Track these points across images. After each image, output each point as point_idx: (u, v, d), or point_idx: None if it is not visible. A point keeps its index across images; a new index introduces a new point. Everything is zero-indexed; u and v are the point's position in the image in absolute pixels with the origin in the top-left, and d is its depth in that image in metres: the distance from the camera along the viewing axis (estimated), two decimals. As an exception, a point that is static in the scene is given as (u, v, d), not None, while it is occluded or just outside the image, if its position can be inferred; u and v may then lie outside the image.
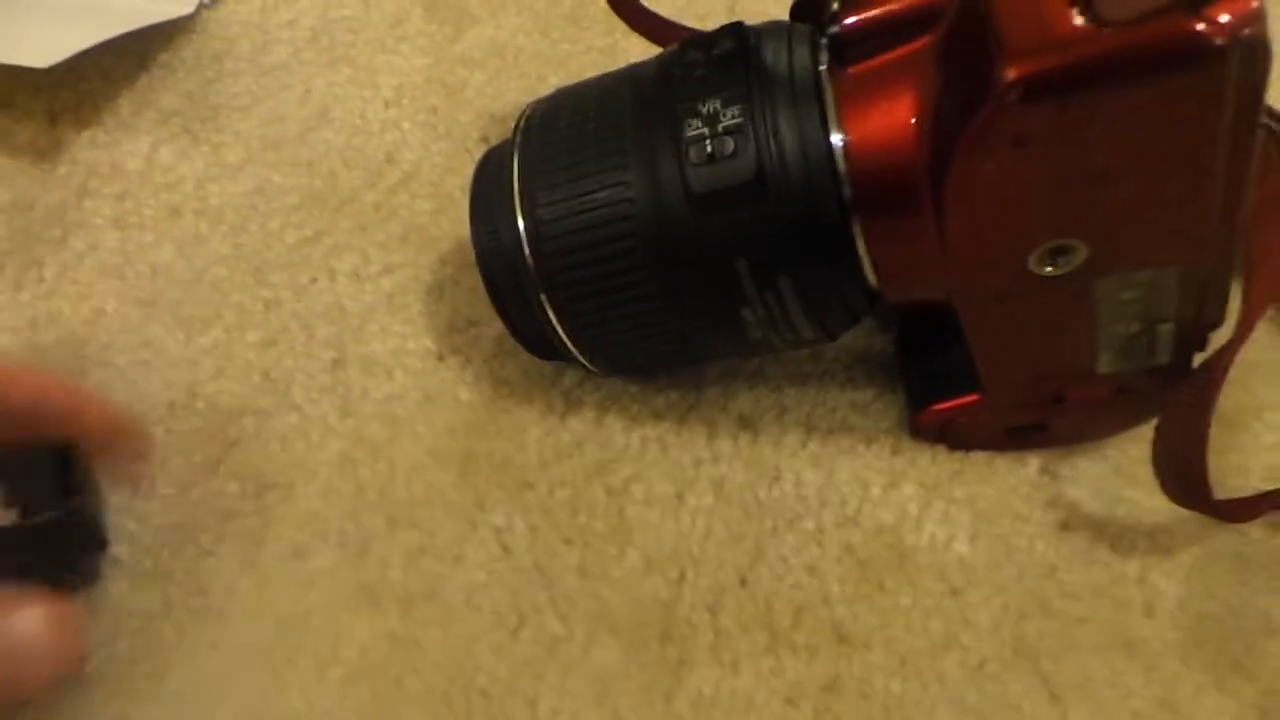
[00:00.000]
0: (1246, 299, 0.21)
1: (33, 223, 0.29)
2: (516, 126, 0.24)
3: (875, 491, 0.25)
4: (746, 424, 0.26)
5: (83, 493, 0.21)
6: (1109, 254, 0.19)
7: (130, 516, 0.23)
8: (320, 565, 0.23)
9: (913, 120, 0.19)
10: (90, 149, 0.31)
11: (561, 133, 0.22)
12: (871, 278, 0.21)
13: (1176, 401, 0.21)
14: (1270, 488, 0.24)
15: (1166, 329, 0.21)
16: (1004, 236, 0.19)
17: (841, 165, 0.20)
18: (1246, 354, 0.29)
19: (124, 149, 0.31)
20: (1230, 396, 0.27)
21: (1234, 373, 0.28)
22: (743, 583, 0.23)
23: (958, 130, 0.17)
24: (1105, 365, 0.22)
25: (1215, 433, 0.27)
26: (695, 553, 0.23)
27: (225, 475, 0.25)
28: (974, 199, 0.18)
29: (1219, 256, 0.19)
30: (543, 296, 0.23)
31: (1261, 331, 0.29)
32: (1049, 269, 0.19)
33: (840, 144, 0.20)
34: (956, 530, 0.24)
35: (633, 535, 0.24)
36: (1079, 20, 0.16)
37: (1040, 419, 0.24)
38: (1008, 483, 0.25)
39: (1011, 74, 0.16)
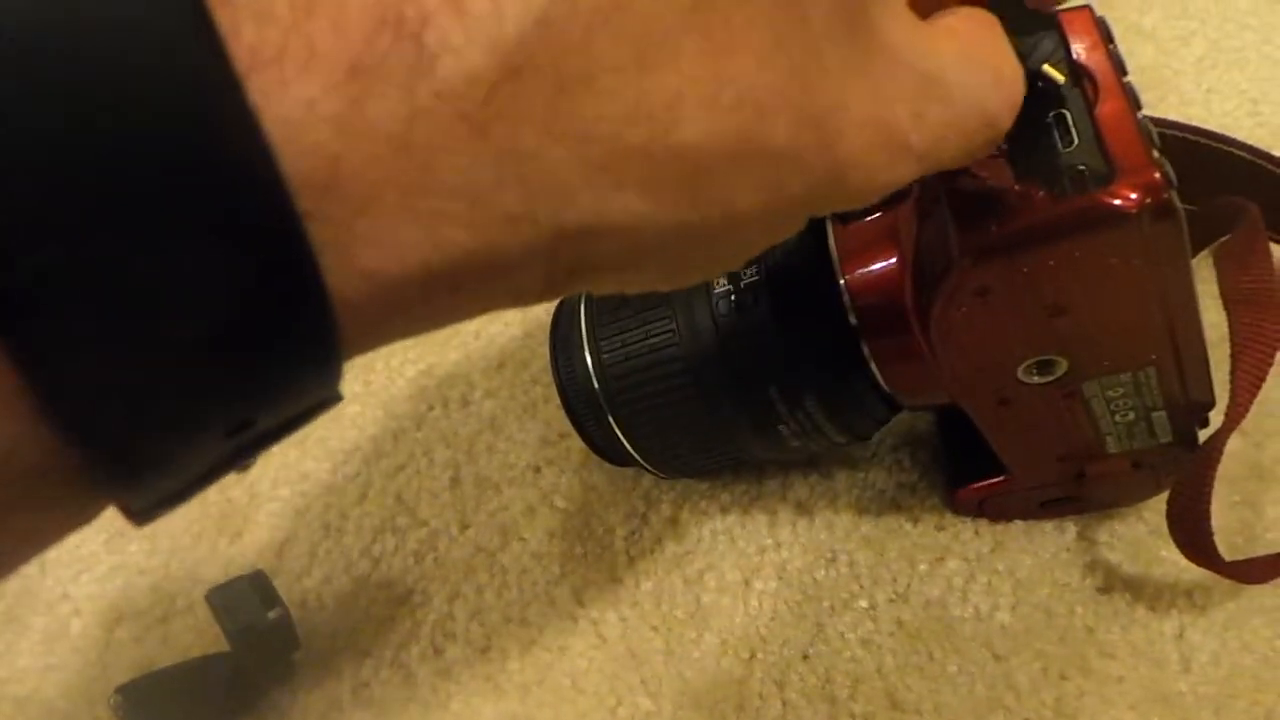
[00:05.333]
0: (1233, 384, 0.23)
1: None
2: (581, 280, 0.28)
3: (923, 568, 0.28)
4: (803, 510, 0.29)
5: (278, 605, 0.26)
6: (1086, 364, 0.22)
7: (304, 627, 0.28)
8: (453, 658, 0.28)
9: (899, 265, 0.23)
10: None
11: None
12: (887, 388, 0.25)
13: (1179, 479, 0.24)
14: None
15: (1160, 415, 0.23)
16: (989, 359, 0.22)
17: (846, 299, 0.24)
18: (1285, 405, 0.31)
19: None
20: (1270, 449, 0.29)
21: (1275, 423, 0.30)
22: (805, 658, 0.26)
23: (933, 283, 0.21)
24: (1113, 447, 0.24)
25: (1254, 487, 0.28)
26: (763, 633, 0.27)
27: (374, 586, 0.30)
28: (954, 335, 0.21)
29: (1186, 355, 0.21)
30: (610, 418, 0.27)
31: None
32: (1037, 379, 0.22)
33: (843, 283, 0.24)
34: (999, 600, 0.27)
35: (709, 620, 0.28)
36: (1022, 191, 0.19)
37: (1068, 493, 0.27)
38: (1047, 550, 0.28)
39: (964, 243, 0.19)
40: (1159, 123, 0.34)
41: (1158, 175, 0.18)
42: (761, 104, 0.12)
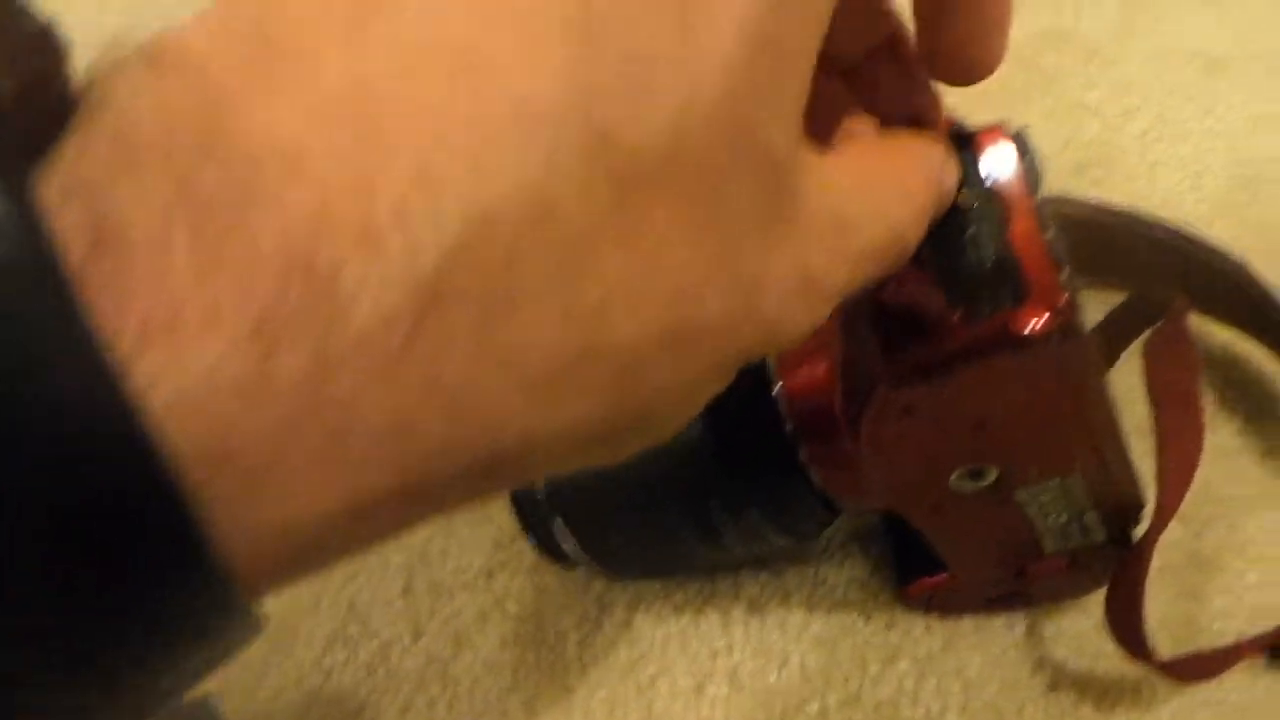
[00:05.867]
0: (1159, 486, 0.23)
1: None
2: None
3: (874, 669, 0.27)
4: (755, 609, 0.29)
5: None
6: (1014, 472, 0.22)
7: (251, 747, 0.28)
8: (404, 776, 0.28)
9: (830, 374, 0.23)
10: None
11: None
12: (826, 493, 0.25)
13: (1114, 580, 0.24)
14: (1255, 631, 0.26)
15: (1092, 515, 0.23)
16: (920, 469, 0.22)
17: (783, 407, 0.24)
18: (1226, 488, 0.31)
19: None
20: (1210, 537, 0.29)
21: (1215, 509, 0.30)
22: (758, 767, 0.26)
23: (859, 401, 0.21)
24: (1050, 547, 0.25)
25: (1196, 578, 0.29)
26: (715, 741, 0.27)
27: (325, 701, 0.30)
28: (884, 449, 0.22)
29: (1110, 462, 0.22)
30: (556, 526, 0.27)
31: (1244, 464, 0.31)
32: (969, 486, 0.23)
33: (779, 389, 0.24)
34: (949, 700, 0.27)
35: (661, 728, 0.27)
36: (938, 314, 0.19)
37: (1012, 589, 0.27)
38: (997, 647, 0.28)
39: (887, 365, 0.20)
40: (1092, 206, 0.35)
41: (1065, 298, 0.19)
42: (690, 289, 0.12)
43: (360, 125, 0.10)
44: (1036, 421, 0.21)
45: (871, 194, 0.15)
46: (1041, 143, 0.48)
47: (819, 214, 0.14)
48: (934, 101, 0.19)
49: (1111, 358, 0.32)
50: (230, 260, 0.09)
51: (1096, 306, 0.34)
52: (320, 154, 0.09)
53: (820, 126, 0.18)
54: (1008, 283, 0.19)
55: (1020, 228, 0.20)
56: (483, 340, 0.10)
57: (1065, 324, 0.19)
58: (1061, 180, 0.40)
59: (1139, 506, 0.24)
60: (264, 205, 0.09)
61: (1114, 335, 0.31)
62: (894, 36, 0.18)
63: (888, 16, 0.18)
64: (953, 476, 0.22)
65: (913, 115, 0.19)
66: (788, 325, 0.14)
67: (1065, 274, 0.19)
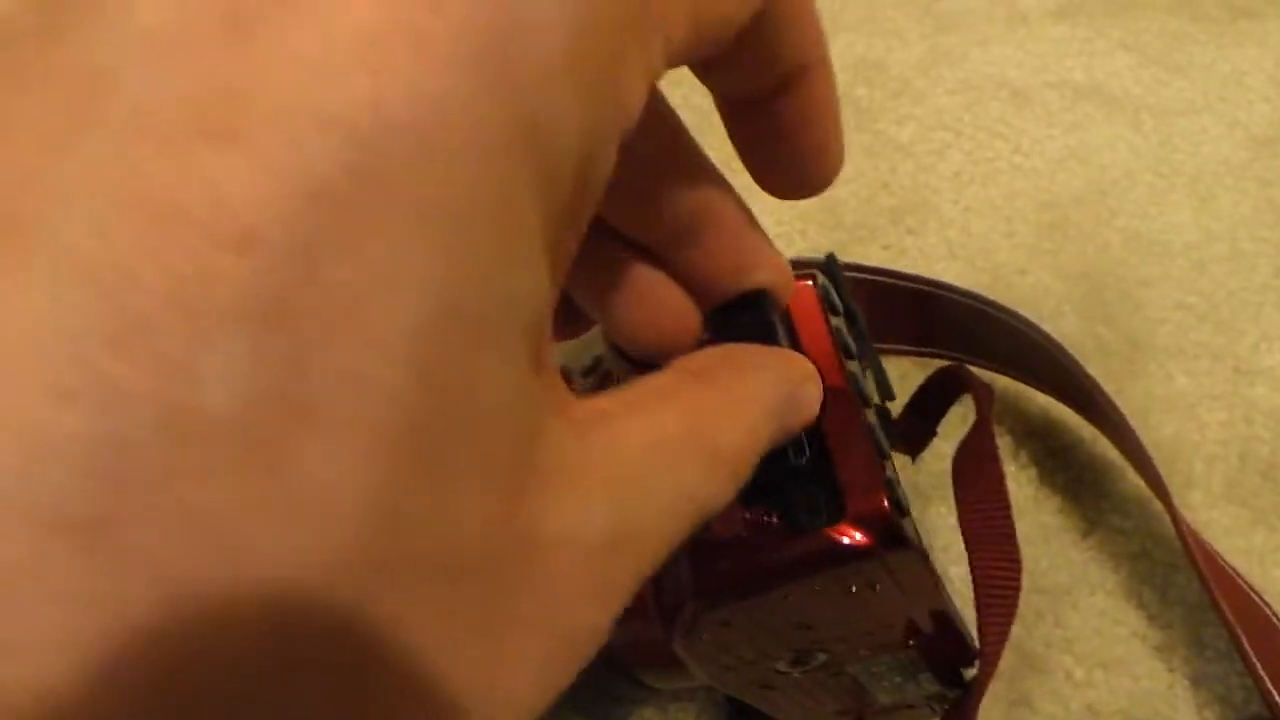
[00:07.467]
0: (981, 633, 0.22)
1: None
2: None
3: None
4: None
5: None
6: (843, 656, 0.20)
7: None
8: None
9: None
10: None
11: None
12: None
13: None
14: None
15: (926, 675, 0.22)
16: (741, 664, 0.20)
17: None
18: (1050, 576, 0.31)
19: None
20: (1039, 633, 0.29)
21: (1041, 600, 0.30)
22: None
23: (671, 614, 0.18)
24: (885, 699, 0.23)
25: (1030, 682, 0.28)
26: None
27: None
28: (699, 656, 0.19)
29: (942, 635, 0.20)
30: None
31: (1065, 545, 0.31)
32: (797, 670, 0.20)
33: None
34: None
35: None
36: (745, 528, 0.17)
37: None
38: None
39: (698, 584, 0.17)
40: (908, 277, 0.34)
41: (887, 503, 0.16)
42: None
43: None
44: (865, 619, 0.18)
45: (665, 478, 0.12)
46: (859, 188, 0.47)
47: (565, 555, 0.10)
48: (776, 266, 0.16)
49: (927, 433, 0.30)
50: None
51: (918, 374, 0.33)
52: None
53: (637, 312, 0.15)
54: (824, 489, 0.16)
55: (836, 413, 0.17)
56: None
57: (889, 534, 0.16)
58: (880, 230, 0.39)
59: (973, 656, 0.22)
60: None
61: (927, 410, 0.30)
62: (708, 210, 0.15)
63: (701, 186, 0.15)
64: (778, 665, 0.20)
65: (749, 291, 0.16)
66: (547, 697, 0.10)
67: (889, 466, 0.17)
